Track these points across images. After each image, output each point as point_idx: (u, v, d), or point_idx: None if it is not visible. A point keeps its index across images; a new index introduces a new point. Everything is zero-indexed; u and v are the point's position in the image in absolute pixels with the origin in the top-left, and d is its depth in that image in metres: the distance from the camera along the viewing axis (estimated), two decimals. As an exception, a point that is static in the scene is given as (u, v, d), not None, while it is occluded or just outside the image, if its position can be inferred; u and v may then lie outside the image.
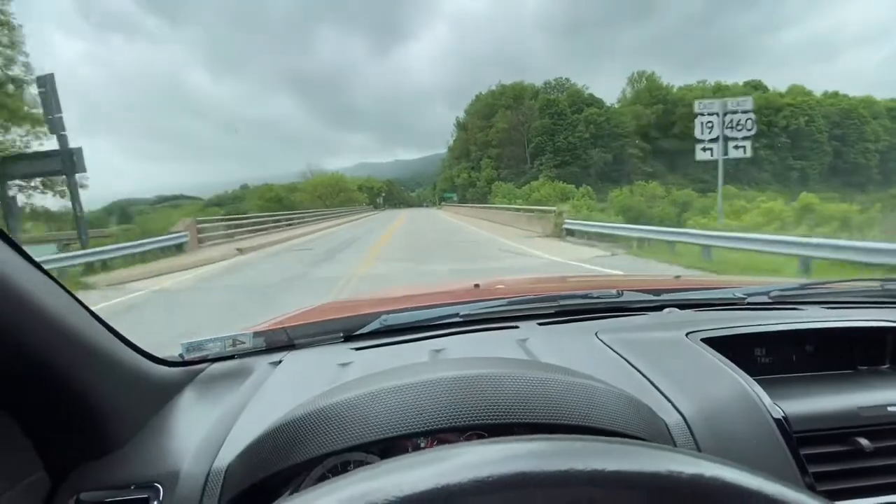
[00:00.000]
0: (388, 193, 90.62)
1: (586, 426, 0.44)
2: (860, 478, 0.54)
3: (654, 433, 0.48)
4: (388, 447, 0.49)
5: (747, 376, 0.60)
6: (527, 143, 58.61)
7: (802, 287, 0.99)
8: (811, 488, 0.50)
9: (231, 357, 0.82)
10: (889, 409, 0.58)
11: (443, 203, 64.42)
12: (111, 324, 0.62)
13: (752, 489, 0.25)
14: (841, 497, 0.52)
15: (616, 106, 62.66)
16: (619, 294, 0.95)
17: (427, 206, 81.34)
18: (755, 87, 65.29)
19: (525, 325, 0.86)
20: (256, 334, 0.84)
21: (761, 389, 0.57)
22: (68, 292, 0.55)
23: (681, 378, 0.61)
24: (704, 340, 0.69)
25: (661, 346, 0.69)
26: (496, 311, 0.91)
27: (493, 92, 67.80)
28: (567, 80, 66.40)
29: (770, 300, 0.93)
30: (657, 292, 0.98)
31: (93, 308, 0.59)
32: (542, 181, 46.48)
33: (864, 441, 0.55)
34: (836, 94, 65.06)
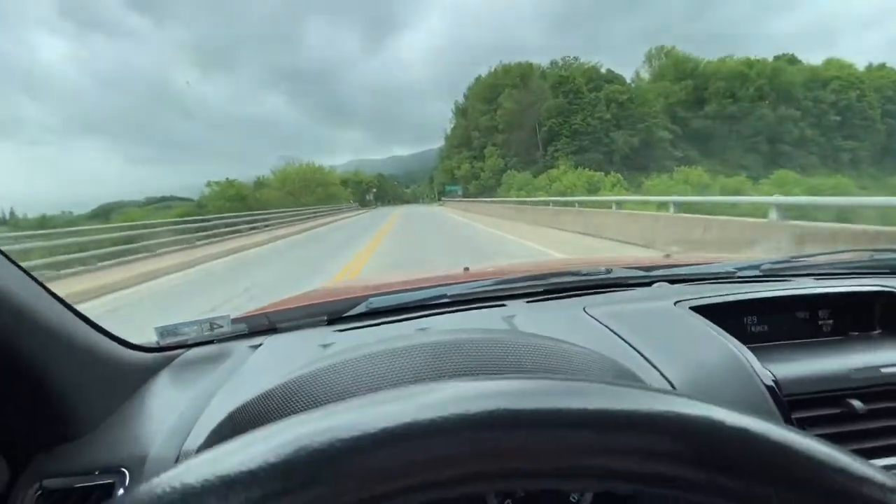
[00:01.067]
0: (379, 189, 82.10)
1: None
2: (854, 440, 0.53)
3: None
4: None
5: (737, 342, 0.59)
6: (538, 126, 50.83)
7: (792, 259, 0.98)
8: None
9: (210, 342, 0.81)
10: (882, 370, 0.57)
11: (443, 198, 56.51)
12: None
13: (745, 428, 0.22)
14: None
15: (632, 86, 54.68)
16: (609, 271, 0.95)
17: (424, 203, 73.52)
18: (789, 61, 57.80)
19: (513, 304, 0.86)
20: (236, 320, 0.82)
21: (751, 354, 0.57)
22: (35, 280, 0.55)
23: (669, 346, 0.60)
24: (693, 308, 0.69)
25: (649, 316, 0.69)
26: (483, 291, 0.90)
27: (496, 72, 59.99)
28: (576, 59, 58.59)
29: (761, 273, 0.93)
30: (648, 269, 0.98)
31: None
32: (562, 169, 38.99)
33: (857, 403, 0.54)
34: (882, 66, 57.59)
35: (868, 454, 0.51)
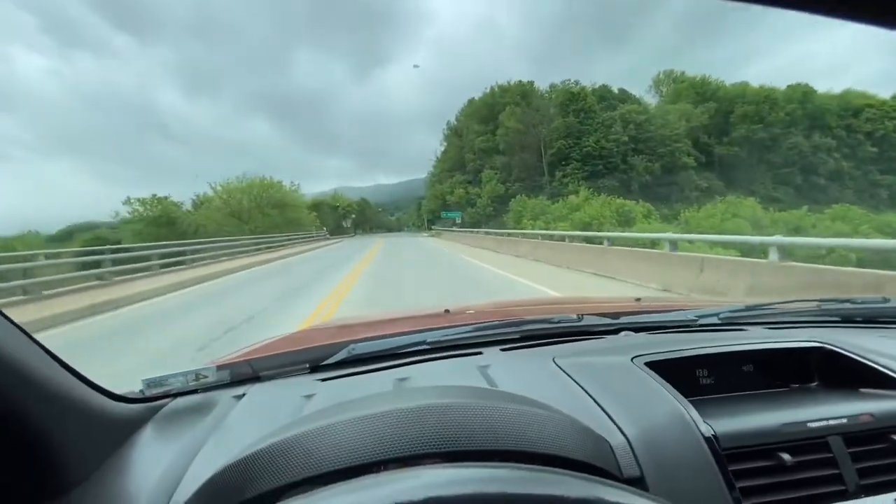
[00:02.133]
0: (360, 215, 73.57)
1: (532, 452, 0.45)
2: (783, 491, 0.57)
3: (599, 456, 0.50)
4: (346, 480, 0.48)
5: (682, 398, 0.63)
6: (544, 149, 44.33)
7: (748, 308, 1.03)
8: (738, 503, 0.53)
9: (194, 391, 0.81)
10: (809, 425, 0.61)
11: (434, 227, 48.92)
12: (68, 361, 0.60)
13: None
14: None
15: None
16: (580, 318, 0.99)
17: (410, 232, 65.97)
18: (805, 92, 53.32)
19: (489, 352, 0.90)
20: (220, 368, 0.83)
21: (694, 410, 0.61)
22: (20, 329, 0.54)
23: (626, 401, 0.64)
24: (648, 364, 0.73)
25: (610, 371, 0.73)
26: (462, 337, 0.93)
27: (493, 91, 54.06)
28: (577, 82, 52.99)
29: (719, 321, 0.98)
30: (616, 315, 1.02)
31: None
32: (583, 196, 32.03)
33: (785, 456, 0.58)
34: (909, 97, 53.57)
35: None
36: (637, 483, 0.52)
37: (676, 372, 0.71)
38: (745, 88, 48.19)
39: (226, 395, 0.78)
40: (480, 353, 0.88)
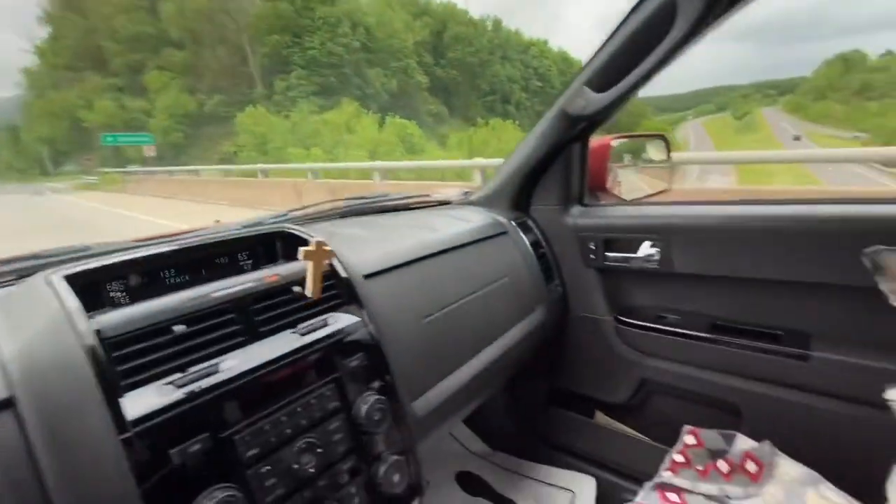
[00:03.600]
0: None
1: None
2: (184, 356, 0.59)
3: None
4: None
5: (74, 301, 0.59)
6: (250, 46, 30.76)
7: (289, 213, 1.15)
8: (112, 387, 0.52)
9: None
10: (212, 294, 0.64)
11: (65, 169, 27.83)
12: None
13: None
14: (157, 379, 0.57)
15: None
16: (86, 248, 0.85)
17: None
18: (496, 21, 58.64)
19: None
20: None
21: (79, 311, 0.58)
22: None
23: (24, 320, 0.59)
24: (65, 277, 0.66)
25: (28, 290, 0.66)
26: None
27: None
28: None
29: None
30: (172, 238, 0.93)
31: None
32: (349, 111, 22.74)
33: (178, 327, 0.60)
34: (545, 42, 66.68)
35: (182, 368, 0.59)
36: (7, 405, 0.49)
37: (127, 278, 0.71)
38: (454, 9, 47.40)
39: None
40: None
